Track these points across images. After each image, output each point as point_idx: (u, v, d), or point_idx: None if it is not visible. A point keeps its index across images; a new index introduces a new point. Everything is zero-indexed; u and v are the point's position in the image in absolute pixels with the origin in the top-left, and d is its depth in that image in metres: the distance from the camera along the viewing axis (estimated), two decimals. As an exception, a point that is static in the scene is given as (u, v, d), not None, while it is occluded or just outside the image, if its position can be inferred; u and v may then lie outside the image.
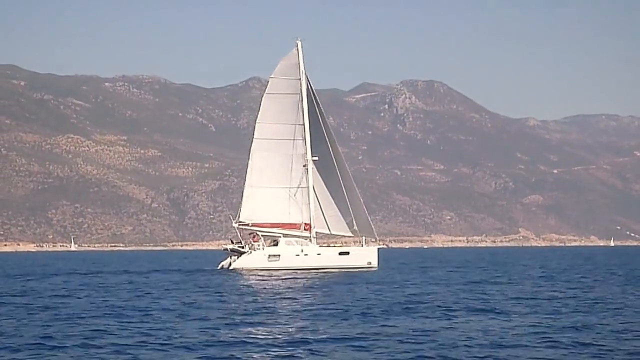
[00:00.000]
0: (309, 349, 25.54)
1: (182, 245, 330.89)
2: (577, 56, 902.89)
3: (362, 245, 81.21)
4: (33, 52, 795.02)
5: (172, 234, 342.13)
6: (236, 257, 77.70)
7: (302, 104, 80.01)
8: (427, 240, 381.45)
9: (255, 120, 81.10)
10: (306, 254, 77.65)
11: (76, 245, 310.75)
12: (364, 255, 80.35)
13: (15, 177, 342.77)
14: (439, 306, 38.97)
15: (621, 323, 32.12)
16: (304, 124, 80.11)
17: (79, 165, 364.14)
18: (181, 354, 24.84)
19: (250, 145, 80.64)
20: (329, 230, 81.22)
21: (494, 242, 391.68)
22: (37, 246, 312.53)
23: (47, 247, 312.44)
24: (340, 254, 79.28)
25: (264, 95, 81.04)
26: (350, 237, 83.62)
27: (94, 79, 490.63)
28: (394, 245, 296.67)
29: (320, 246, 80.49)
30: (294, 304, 40.83)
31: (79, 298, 45.55)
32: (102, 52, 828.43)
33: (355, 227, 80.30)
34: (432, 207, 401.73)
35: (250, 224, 78.86)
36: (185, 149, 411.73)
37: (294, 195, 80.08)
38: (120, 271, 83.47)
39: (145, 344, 26.56)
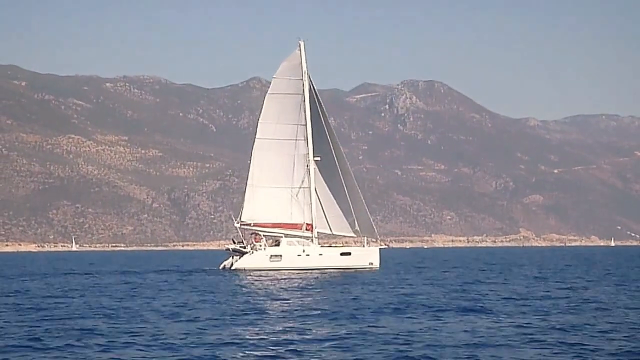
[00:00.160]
0: (294, 350, 25.72)
1: (182, 246, 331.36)
2: (577, 56, 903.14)
3: (363, 246, 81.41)
4: (34, 52, 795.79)
5: (173, 234, 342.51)
6: (238, 257, 77.80)
7: (304, 104, 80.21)
8: (428, 240, 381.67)
9: (257, 120, 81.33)
10: (308, 255, 77.76)
11: (77, 246, 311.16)
12: (366, 256, 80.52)
13: (16, 178, 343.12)
14: (429, 307, 39.14)
15: (609, 323, 32.29)
16: (306, 124, 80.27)
17: (80, 166, 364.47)
18: (164, 354, 25.04)
19: (252, 145, 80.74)
20: (331, 231, 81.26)
21: (495, 242, 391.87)
22: (38, 246, 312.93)
23: (48, 248, 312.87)
24: (342, 254, 79.41)
25: (267, 95, 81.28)
26: (351, 237, 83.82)
27: (95, 79, 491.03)
28: (394, 245, 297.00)
29: (321, 246, 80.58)
30: (286, 304, 40.99)
31: (72, 298, 45.75)
32: (103, 53, 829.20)
33: (357, 228, 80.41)
34: (432, 207, 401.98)
35: (252, 224, 78.97)
36: (186, 149, 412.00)
37: (296, 195, 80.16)
38: (118, 271, 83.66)
39: (129, 344, 26.73)
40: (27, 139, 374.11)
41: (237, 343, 26.85)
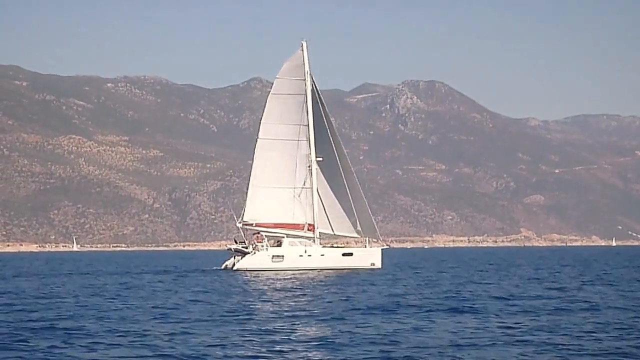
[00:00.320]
0: (278, 350, 25.94)
1: (183, 246, 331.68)
2: (578, 56, 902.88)
3: (365, 246, 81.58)
4: (35, 52, 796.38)
5: (174, 234, 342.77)
6: (240, 257, 77.95)
7: (306, 104, 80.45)
8: (429, 240, 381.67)
9: (260, 120, 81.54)
10: (310, 255, 77.89)
11: (78, 246, 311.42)
12: (368, 256, 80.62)
13: (17, 178, 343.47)
14: (419, 307, 39.35)
15: (597, 323, 32.45)
16: (308, 125, 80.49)
17: (81, 166, 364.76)
18: (146, 353, 25.30)
19: (255, 145, 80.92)
20: (333, 231, 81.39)
21: (496, 242, 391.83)
22: (39, 247, 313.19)
23: (49, 248, 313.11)
24: (344, 254, 79.53)
25: (269, 95, 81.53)
26: (353, 237, 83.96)
27: (96, 79, 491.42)
28: (395, 245, 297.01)
29: (323, 247, 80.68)
30: (277, 305, 41.18)
31: (65, 299, 45.95)
32: (104, 53, 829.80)
33: (359, 228, 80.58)
34: (433, 207, 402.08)
35: (254, 224, 79.13)
36: (187, 149, 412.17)
37: (298, 195, 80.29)
38: (114, 272, 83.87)
39: (114, 345, 26.92)
40: (28, 139, 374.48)
41: (221, 344, 27.01)
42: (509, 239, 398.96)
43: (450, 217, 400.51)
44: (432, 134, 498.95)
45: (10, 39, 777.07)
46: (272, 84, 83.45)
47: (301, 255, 77.75)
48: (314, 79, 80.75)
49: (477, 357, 24.76)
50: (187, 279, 66.52)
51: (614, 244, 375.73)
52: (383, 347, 26.33)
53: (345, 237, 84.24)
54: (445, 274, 75.39)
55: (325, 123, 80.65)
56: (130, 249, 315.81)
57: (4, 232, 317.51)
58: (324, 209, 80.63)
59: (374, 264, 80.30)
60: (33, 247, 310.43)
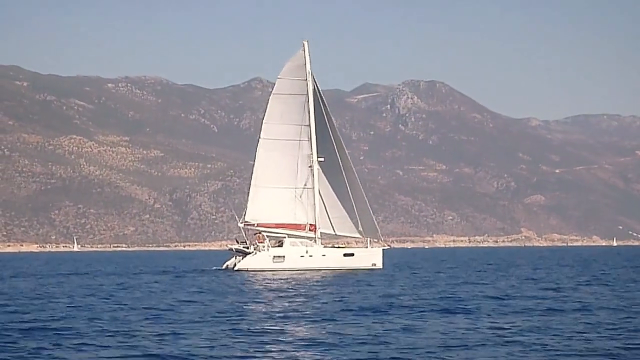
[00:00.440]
0: (266, 350, 26.01)
1: (184, 246, 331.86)
2: (578, 56, 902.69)
3: (366, 247, 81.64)
4: (36, 53, 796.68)
5: (175, 234, 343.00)
6: (241, 257, 77.99)
7: (308, 104, 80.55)
8: (430, 240, 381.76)
9: (262, 120, 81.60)
10: (311, 256, 77.91)
11: (79, 246, 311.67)
12: (369, 257, 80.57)
13: (18, 178, 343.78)
14: (411, 308, 39.42)
15: (589, 324, 32.54)
16: (310, 125, 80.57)
17: (82, 166, 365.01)
18: (132, 354, 25.42)
19: (257, 145, 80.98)
20: (334, 231, 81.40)
21: (496, 242, 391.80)
22: (39, 247, 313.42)
23: (50, 248, 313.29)
24: (345, 255, 79.52)
25: (271, 95, 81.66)
26: (354, 237, 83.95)
27: (97, 79, 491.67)
28: (395, 245, 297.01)
29: (324, 247, 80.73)
30: (269, 305, 41.27)
31: (59, 299, 46.04)
32: (105, 53, 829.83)
33: (361, 228, 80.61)
34: (434, 208, 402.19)
35: (255, 224, 79.16)
36: (188, 149, 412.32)
37: (300, 196, 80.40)
38: (111, 273, 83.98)
39: (104, 347, 26.99)
40: (29, 140, 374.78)
41: (210, 345, 27.07)
42: (509, 239, 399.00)
43: (450, 217, 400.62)
44: (432, 134, 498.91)
45: (11, 39, 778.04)
46: (273, 84, 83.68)
47: (302, 256, 77.79)
48: (315, 79, 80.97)
49: (465, 358, 24.84)
50: (185, 280, 66.61)
51: (614, 244, 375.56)
52: (372, 348, 26.41)
53: (347, 237, 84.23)
54: (443, 275, 75.46)
55: (327, 123, 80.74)
56: (131, 249, 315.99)
57: (5, 233, 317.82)
58: (325, 209, 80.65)
59: (375, 265, 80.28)
60: (34, 248, 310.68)
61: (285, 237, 79.17)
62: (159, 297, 47.32)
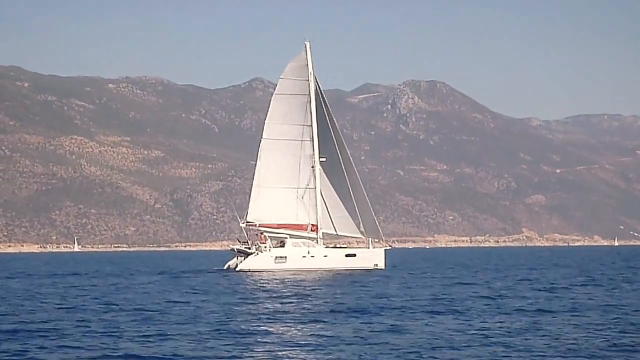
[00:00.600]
0: (250, 350, 26.04)
1: (185, 246, 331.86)
2: (579, 56, 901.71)
3: (368, 247, 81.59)
4: (37, 53, 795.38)
5: (176, 234, 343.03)
6: (243, 258, 77.92)
7: (310, 105, 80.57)
8: (431, 240, 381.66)
9: (264, 120, 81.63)
10: (313, 256, 77.90)
11: (80, 247, 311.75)
12: (371, 257, 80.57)
13: (19, 178, 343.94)
14: (402, 309, 39.41)
15: (577, 325, 32.55)
16: (312, 125, 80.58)
17: (83, 166, 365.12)
18: (115, 354, 25.43)
19: (259, 145, 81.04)
20: (336, 232, 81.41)
21: (497, 242, 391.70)
22: (40, 247, 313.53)
23: (51, 248, 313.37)
24: (347, 255, 79.50)
25: (273, 95, 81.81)
26: (356, 238, 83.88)
27: (98, 80, 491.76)
28: (397, 245, 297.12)
29: (326, 247, 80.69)
30: (261, 305, 41.28)
31: (52, 300, 46.07)
32: (106, 54, 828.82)
33: (362, 229, 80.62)
34: (435, 208, 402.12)
35: (257, 224, 79.15)
36: (189, 149, 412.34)
37: (302, 196, 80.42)
38: (110, 273, 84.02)
39: (92, 347, 27.08)
40: (30, 140, 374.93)
41: (194, 347, 27.08)
42: (510, 239, 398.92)
43: (452, 217, 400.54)
44: (433, 134, 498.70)
45: (12, 40, 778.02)
46: (274, 84, 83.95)
47: (304, 256, 77.78)
48: (317, 79, 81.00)
49: (451, 358, 24.87)
50: (181, 280, 66.62)
51: (616, 243, 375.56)
52: (357, 348, 26.43)
53: (348, 237, 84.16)
54: (441, 275, 75.45)
55: (329, 123, 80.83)
56: (131, 249, 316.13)
57: (6, 233, 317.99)
58: (327, 210, 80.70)
59: (377, 265, 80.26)
60: (34, 248, 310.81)
61: (287, 238, 79.14)
62: (151, 298, 47.31)
